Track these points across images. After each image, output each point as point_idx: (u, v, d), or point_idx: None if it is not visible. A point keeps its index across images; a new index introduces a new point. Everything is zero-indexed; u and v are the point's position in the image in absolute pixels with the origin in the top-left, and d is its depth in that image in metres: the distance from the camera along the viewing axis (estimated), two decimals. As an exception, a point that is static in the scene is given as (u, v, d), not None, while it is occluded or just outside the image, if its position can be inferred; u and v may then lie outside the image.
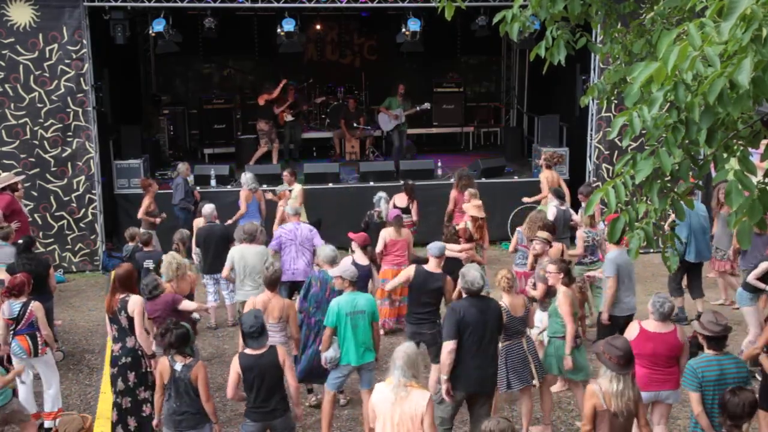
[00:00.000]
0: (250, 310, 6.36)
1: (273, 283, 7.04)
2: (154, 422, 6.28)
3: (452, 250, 8.59)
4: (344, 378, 6.97)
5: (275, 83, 15.02)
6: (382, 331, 9.46)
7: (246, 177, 11.39)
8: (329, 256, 7.51)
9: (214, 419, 5.91)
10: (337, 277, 6.92)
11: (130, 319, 6.61)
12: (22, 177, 10.93)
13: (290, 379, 5.95)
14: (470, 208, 9.72)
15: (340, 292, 6.90)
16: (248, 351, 5.86)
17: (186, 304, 7.18)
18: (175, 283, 7.48)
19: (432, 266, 7.55)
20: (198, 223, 10.23)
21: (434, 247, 7.65)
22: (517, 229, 9.24)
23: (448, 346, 6.06)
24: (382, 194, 10.55)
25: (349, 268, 6.91)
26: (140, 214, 11.17)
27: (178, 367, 5.77)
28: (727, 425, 4.77)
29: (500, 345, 6.59)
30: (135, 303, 6.66)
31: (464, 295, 6.28)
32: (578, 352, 6.86)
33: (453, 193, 11.00)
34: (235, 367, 5.82)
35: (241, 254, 8.62)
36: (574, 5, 4.94)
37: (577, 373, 6.88)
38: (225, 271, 8.74)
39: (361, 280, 7.78)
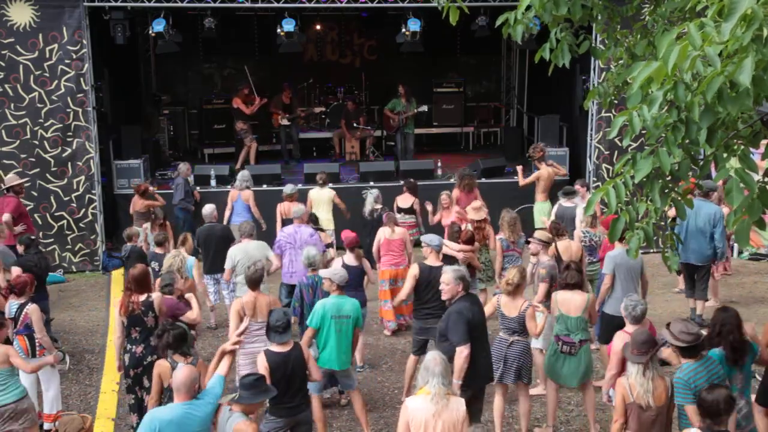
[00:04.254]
0: (279, 308, 6.39)
1: (255, 282, 7.04)
2: None
3: (450, 248, 8.60)
4: (325, 381, 6.97)
5: (246, 82, 15.04)
6: (387, 332, 9.50)
7: (239, 174, 11.48)
8: (307, 258, 7.62)
9: None
10: (326, 278, 6.94)
11: (157, 319, 6.65)
12: (26, 179, 10.94)
13: (314, 373, 6.02)
14: (469, 210, 9.71)
15: (327, 294, 6.94)
16: (274, 348, 5.88)
17: (187, 315, 7.16)
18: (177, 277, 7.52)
19: (432, 260, 7.58)
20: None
21: (431, 239, 7.68)
22: (497, 237, 9.20)
23: (464, 351, 6.08)
24: (374, 191, 10.60)
25: (339, 272, 6.93)
26: (142, 207, 11.22)
27: (181, 366, 5.76)
28: (706, 423, 4.75)
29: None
30: (160, 301, 6.75)
31: (461, 293, 6.31)
32: (573, 358, 6.85)
33: (455, 193, 10.98)
34: (262, 364, 5.83)
35: (244, 251, 8.62)
36: (576, 9, 4.94)
37: (555, 373, 6.91)
38: (227, 274, 8.75)
39: (353, 281, 7.78)
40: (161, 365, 5.86)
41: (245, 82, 15.13)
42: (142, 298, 6.72)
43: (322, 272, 7.18)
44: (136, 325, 6.68)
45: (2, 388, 6.11)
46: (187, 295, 7.28)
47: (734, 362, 5.47)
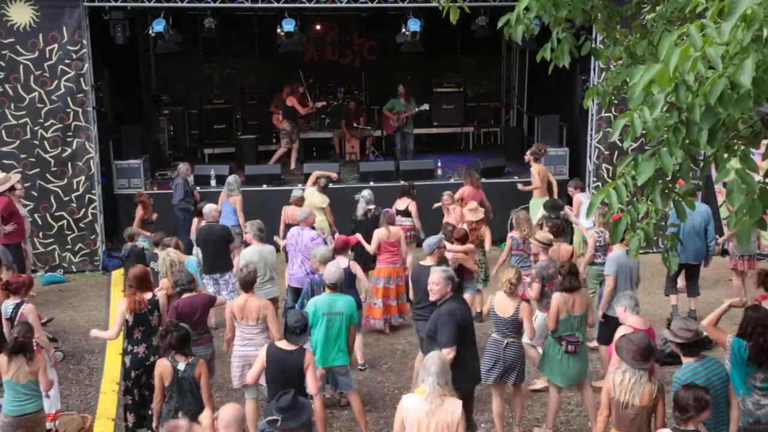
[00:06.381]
0: (297, 310, 6.34)
1: (248, 284, 6.99)
2: (153, 424, 6.21)
3: (449, 250, 8.60)
4: (323, 379, 6.91)
5: (301, 83, 15.08)
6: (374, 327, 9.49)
7: (227, 180, 11.38)
8: (324, 256, 7.56)
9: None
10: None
11: (161, 318, 6.71)
12: (19, 177, 10.88)
13: (311, 386, 5.83)
14: (467, 212, 9.72)
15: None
16: (280, 344, 5.86)
17: (220, 300, 7.40)
18: (170, 279, 7.50)
19: (426, 261, 7.60)
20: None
21: (425, 244, 7.75)
22: (510, 234, 9.22)
23: (450, 353, 5.85)
24: (366, 192, 10.61)
25: (330, 271, 6.93)
26: (135, 226, 11.09)
27: (182, 366, 5.78)
28: (675, 417, 4.80)
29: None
30: (164, 301, 6.80)
31: (449, 294, 6.25)
32: (576, 357, 6.85)
33: (469, 190, 10.99)
34: (262, 357, 5.82)
35: (260, 254, 8.54)
36: (575, 12, 4.94)
37: (559, 375, 6.90)
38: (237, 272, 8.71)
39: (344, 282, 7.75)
40: (162, 365, 5.87)
41: (299, 83, 15.10)
42: (148, 296, 6.73)
43: (321, 271, 7.21)
44: (140, 325, 6.67)
45: (27, 399, 6.09)
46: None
47: (759, 363, 5.46)
